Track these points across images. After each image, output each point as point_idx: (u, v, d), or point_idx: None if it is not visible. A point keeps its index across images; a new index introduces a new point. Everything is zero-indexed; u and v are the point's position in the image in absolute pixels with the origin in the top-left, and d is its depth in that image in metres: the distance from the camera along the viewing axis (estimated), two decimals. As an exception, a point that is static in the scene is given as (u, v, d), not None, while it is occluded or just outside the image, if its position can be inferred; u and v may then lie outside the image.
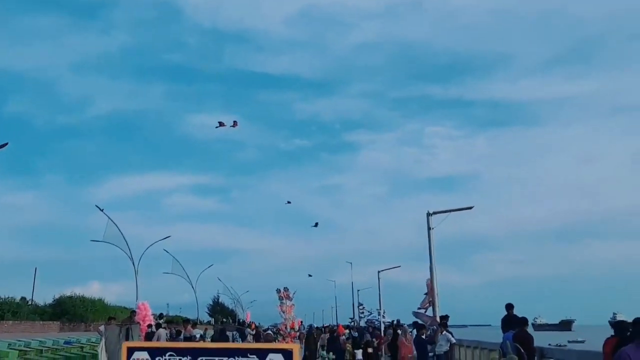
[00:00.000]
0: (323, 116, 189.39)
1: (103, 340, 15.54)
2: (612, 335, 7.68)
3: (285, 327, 24.57)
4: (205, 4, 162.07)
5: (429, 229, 21.43)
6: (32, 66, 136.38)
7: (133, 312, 19.30)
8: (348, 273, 71.71)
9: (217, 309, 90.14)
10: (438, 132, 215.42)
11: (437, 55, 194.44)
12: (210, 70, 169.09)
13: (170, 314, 68.43)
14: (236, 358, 5.91)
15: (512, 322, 12.47)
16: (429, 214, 21.88)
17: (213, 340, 21.30)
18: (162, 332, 18.68)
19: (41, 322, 31.76)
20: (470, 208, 22.19)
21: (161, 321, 23.69)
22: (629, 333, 7.05)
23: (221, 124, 27.38)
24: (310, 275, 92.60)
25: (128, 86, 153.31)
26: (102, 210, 47.62)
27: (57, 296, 38.30)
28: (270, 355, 5.92)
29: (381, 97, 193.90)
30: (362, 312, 59.94)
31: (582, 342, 59.83)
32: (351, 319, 62.65)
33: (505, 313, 13.59)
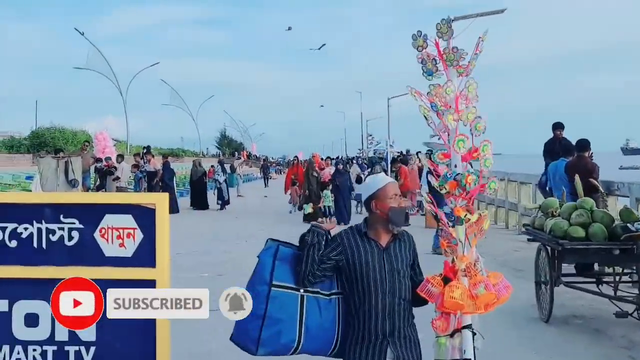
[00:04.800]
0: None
1: (37, 176, 12.57)
2: None
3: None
4: None
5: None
6: None
7: (86, 143, 16.25)
8: (358, 105, 68.06)
9: (225, 142, 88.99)
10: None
11: None
12: None
13: (186, 148, 66.39)
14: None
15: (564, 147, 8.97)
16: (449, 21, 17.63)
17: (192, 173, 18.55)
18: (124, 165, 15.73)
19: (7, 155, 28.94)
20: (502, 11, 17.74)
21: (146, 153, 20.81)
22: None
23: None
24: (322, 106, 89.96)
25: None
26: (82, 34, 43.39)
27: (34, 128, 35.57)
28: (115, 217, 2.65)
29: None
30: (371, 143, 57.09)
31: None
32: (360, 149, 60.41)
33: (551, 136, 10.02)
